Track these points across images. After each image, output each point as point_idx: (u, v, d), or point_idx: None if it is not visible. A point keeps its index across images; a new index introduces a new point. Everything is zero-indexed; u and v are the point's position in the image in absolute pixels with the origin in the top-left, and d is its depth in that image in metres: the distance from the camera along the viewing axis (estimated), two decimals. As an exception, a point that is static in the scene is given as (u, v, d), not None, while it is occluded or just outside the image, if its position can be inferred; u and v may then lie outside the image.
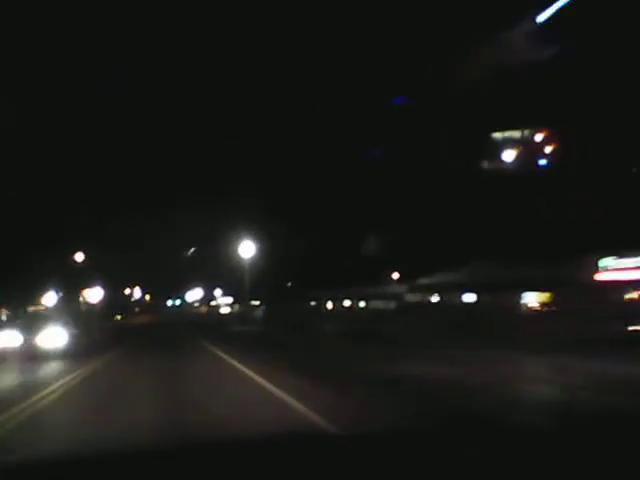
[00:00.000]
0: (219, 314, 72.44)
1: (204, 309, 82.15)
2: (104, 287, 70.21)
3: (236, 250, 40.93)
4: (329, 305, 52.16)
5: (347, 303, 48.72)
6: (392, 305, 37.26)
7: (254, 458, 2.52)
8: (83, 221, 51.80)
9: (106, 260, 61.39)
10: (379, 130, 37.11)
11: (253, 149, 45.73)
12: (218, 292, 77.30)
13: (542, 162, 33.05)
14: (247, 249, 39.43)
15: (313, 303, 57.33)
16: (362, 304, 45.28)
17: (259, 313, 57.65)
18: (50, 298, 69.27)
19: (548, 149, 32.62)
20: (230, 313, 71.86)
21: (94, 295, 69.22)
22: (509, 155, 33.96)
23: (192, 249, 43.07)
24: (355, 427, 5.98)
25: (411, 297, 35.70)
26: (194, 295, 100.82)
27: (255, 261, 42.46)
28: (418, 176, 35.96)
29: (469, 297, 29.07)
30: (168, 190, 62.98)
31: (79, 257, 51.09)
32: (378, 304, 40.14)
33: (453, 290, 30.83)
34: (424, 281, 34.96)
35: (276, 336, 26.02)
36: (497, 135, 35.04)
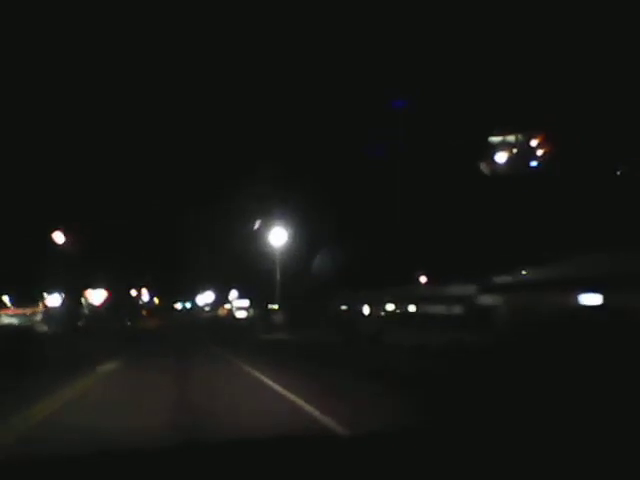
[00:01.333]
0: (234, 318, 65.65)
1: (223, 312, 74.56)
2: (108, 288, 63.52)
3: (261, 240, 33.90)
4: (365, 309, 44.93)
5: (390, 307, 41.44)
6: (458, 310, 30.00)
7: None
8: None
9: (109, 254, 54.95)
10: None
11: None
12: (233, 294, 70.23)
13: (533, 164, 35.52)
14: (278, 236, 32.01)
15: (344, 307, 50.25)
16: (411, 309, 37.96)
17: (279, 318, 50.87)
18: (52, 299, 63.85)
19: (540, 152, 34.93)
20: (246, 318, 65.23)
21: (97, 296, 62.48)
22: (501, 157, 36.43)
23: (257, 223, 36.38)
24: None
25: (486, 299, 28.42)
26: (205, 298, 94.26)
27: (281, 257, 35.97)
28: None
29: (589, 298, 21.76)
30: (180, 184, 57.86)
31: (59, 238, 44.19)
32: (436, 309, 32.87)
33: (550, 289, 23.54)
34: (504, 279, 27.72)
35: (346, 351, 18.33)
36: (494, 138, 37.17)
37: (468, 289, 31.69)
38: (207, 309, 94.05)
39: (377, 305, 43.10)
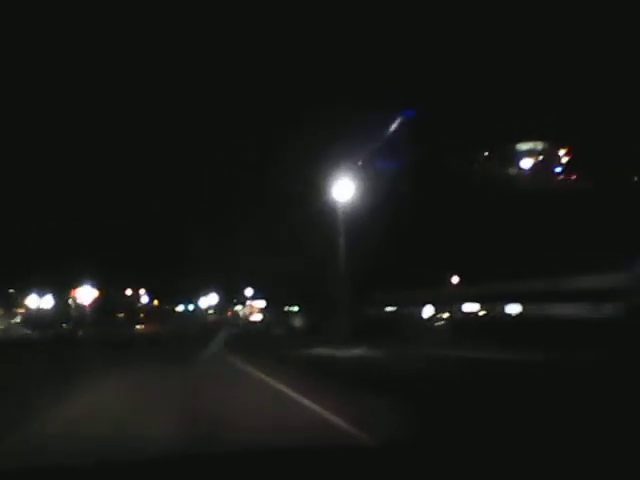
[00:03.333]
0: (249, 322, 56.60)
1: (253, 311, 64.32)
2: (99, 286, 53.80)
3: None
4: (427, 311, 35.29)
5: (471, 307, 31.75)
6: (609, 310, 20.42)
7: None
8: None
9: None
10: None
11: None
12: (249, 291, 60.79)
13: (558, 170, 37.70)
14: (343, 190, 21.76)
15: (390, 308, 40.78)
16: (513, 309, 28.32)
17: (298, 322, 41.76)
18: (33, 300, 56.09)
19: (565, 159, 37.44)
20: (262, 320, 56.07)
21: (85, 295, 52.72)
22: (527, 163, 38.44)
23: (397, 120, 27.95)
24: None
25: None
26: (209, 300, 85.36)
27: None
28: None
29: None
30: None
31: None
32: (558, 309, 23.29)
33: None
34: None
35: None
36: (521, 145, 38.93)
37: (609, 280, 22.34)
38: (211, 312, 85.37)
39: (444, 306, 33.57)
